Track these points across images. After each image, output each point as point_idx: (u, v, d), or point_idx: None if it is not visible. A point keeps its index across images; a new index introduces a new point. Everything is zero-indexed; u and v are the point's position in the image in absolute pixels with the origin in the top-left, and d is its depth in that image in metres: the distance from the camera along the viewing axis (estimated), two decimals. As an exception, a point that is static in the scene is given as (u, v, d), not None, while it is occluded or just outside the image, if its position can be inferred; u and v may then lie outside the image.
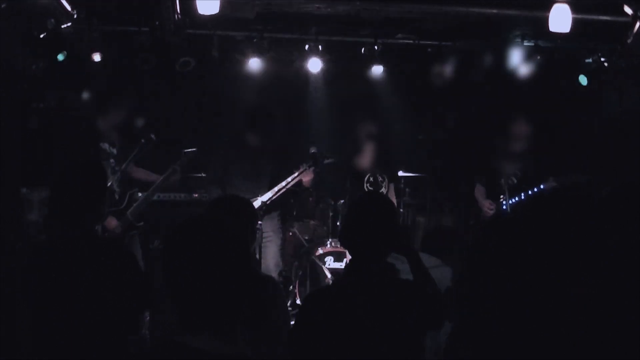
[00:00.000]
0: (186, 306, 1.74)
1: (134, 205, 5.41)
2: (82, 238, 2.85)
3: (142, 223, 5.49)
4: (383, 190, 6.10)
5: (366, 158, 6.10)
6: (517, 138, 5.78)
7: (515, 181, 5.80)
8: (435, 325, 2.89)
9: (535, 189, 5.66)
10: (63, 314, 2.72)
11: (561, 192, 5.62)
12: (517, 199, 5.72)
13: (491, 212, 5.79)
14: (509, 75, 6.58)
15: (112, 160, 5.38)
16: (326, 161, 6.04)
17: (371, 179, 6.09)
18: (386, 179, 6.14)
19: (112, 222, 5.19)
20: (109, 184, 5.21)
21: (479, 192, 6.01)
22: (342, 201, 6.52)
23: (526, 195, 5.68)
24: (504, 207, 5.77)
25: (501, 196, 5.74)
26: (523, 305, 2.23)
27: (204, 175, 6.43)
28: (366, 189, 6.02)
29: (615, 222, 2.61)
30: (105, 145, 5.39)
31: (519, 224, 2.44)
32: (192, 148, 5.67)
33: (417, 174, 6.73)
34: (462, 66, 6.62)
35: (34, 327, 2.74)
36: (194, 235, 1.77)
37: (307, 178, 5.91)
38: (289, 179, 5.82)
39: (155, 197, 5.64)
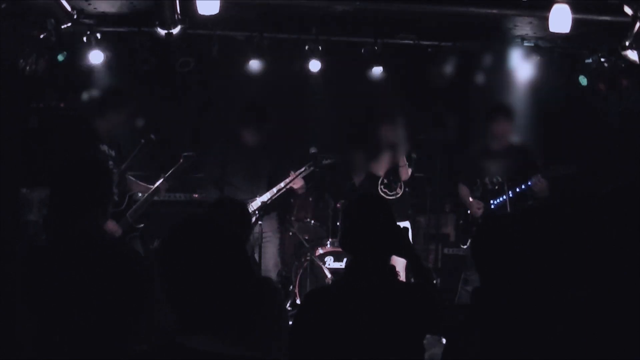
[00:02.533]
0: (184, 307, 1.74)
1: (134, 206, 5.40)
2: (81, 238, 2.85)
3: (142, 225, 5.47)
4: (398, 191, 6.05)
5: (383, 165, 6.08)
6: (497, 136, 5.79)
7: (501, 180, 5.81)
8: (436, 328, 2.88)
9: (523, 186, 5.66)
10: (62, 315, 2.72)
11: (562, 192, 5.62)
12: (504, 197, 5.71)
13: (480, 212, 5.78)
14: (509, 75, 6.59)
15: (110, 162, 5.37)
16: (325, 161, 6.03)
17: (385, 181, 6.07)
18: (401, 181, 6.11)
19: (111, 225, 5.15)
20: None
21: (463, 191, 5.99)
22: (342, 201, 6.52)
23: (514, 192, 5.68)
24: (492, 206, 5.77)
25: (499, 198, 5.74)
26: (525, 304, 2.23)
27: (203, 175, 6.44)
28: (380, 191, 5.99)
29: (616, 222, 2.60)
30: (104, 147, 5.38)
31: (519, 223, 2.44)
32: (190, 151, 5.67)
33: (417, 174, 6.72)
34: (462, 66, 6.61)
35: (33, 327, 2.74)
36: (190, 237, 1.77)
37: (298, 185, 5.91)
38: (288, 180, 5.82)
39: (155, 198, 5.64)
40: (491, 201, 5.79)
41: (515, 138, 5.87)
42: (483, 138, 5.90)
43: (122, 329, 2.79)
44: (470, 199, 5.88)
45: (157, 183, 5.53)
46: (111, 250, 2.97)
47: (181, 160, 5.61)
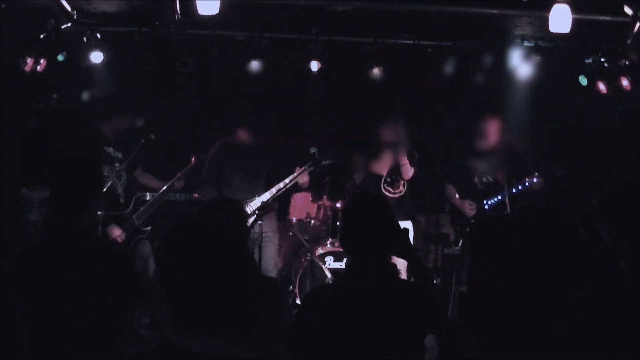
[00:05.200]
0: (183, 308, 1.73)
1: (141, 209, 5.39)
2: (79, 237, 2.85)
3: (149, 227, 5.46)
4: (401, 189, 6.06)
5: (384, 164, 6.09)
6: (486, 135, 5.80)
7: (492, 180, 5.81)
8: (436, 327, 2.88)
9: (520, 186, 5.66)
10: (59, 312, 2.72)
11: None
12: (499, 197, 5.71)
13: (472, 213, 5.77)
14: (509, 75, 6.59)
15: (117, 164, 5.38)
16: (325, 161, 6.04)
17: (388, 179, 6.08)
18: (403, 180, 6.11)
19: (115, 232, 5.14)
20: (109, 183, 5.20)
21: (450, 191, 5.99)
22: (342, 201, 6.51)
23: (515, 191, 5.67)
24: (486, 206, 5.76)
25: (494, 198, 5.75)
26: (523, 304, 2.23)
27: (202, 175, 6.44)
28: (383, 189, 6.01)
29: (615, 222, 2.61)
30: (110, 149, 5.39)
31: (518, 222, 2.44)
32: (189, 151, 5.70)
33: (417, 174, 6.72)
34: (462, 66, 6.61)
35: (32, 325, 2.74)
36: (190, 237, 1.76)
37: (303, 180, 5.91)
38: (287, 180, 5.82)
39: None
40: (484, 201, 5.79)
41: (505, 136, 5.87)
42: (471, 137, 5.91)
43: (121, 328, 2.79)
44: (457, 197, 5.88)
45: (172, 180, 5.55)
46: (110, 250, 2.97)
47: (194, 159, 5.65)
